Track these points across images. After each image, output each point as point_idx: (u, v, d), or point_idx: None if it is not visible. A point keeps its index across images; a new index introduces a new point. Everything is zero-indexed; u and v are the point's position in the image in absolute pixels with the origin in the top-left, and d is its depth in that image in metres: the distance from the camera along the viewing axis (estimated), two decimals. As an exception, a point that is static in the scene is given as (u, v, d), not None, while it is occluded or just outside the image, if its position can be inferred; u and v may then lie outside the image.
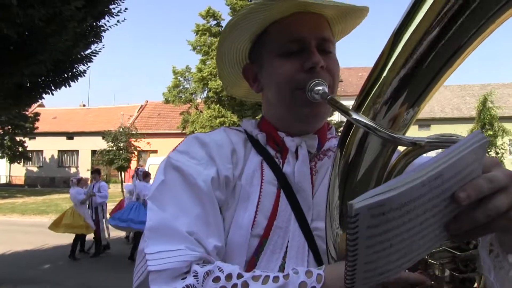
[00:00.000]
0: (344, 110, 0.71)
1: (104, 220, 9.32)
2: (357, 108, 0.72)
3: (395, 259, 0.56)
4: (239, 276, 0.76)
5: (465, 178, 0.57)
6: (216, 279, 0.75)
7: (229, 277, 0.76)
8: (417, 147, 0.69)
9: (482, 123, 19.93)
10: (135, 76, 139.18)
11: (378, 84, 0.69)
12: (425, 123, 29.92)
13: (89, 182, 10.26)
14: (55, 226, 8.83)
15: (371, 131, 0.66)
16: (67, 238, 9.12)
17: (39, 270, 7.99)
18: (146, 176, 9.12)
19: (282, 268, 0.88)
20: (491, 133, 19.76)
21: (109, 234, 9.47)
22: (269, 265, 0.89)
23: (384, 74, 0.69)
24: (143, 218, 7.77)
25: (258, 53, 1.04)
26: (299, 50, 0.95)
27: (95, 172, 9.98)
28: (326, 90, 0.88)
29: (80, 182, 9.56)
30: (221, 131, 1.03)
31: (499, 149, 20.40)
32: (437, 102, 31.36)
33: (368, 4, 1.04)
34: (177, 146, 0.99)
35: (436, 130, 27.90)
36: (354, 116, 0.68)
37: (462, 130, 21.01)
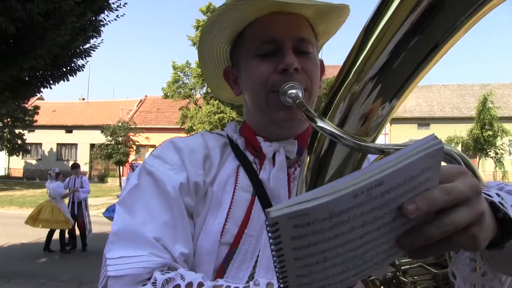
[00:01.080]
0: (309, 117, 0.68)
1: (87, 214, 9.21)
2: (324, 110, 0.70)
3: (334, 274, 0.51)
4: (200, 285, 0.74)
5: (417, 187, 0.50)
6: (176, 287, 0.73)
7: (189, 285, 0.74)
8: (385, 155, 0.65)
9: (481, 123, 19.90)
10: (135, 71, 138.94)
11: (346, 82, 0.67)
12: (424, 122, 29.94)
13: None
14: (32, 220, 8.67)
15: (336, 140, 0.63)
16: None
17: (34, 264, 7.98)
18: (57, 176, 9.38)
19: (251, 278, 0.86)
20: (491, 133, 19.74)
21: (90, 230, 9.24)
22: (238, 274, 0.86)
23: (353, 70, 0.66)
24: None
25: (237, 55, 1.01)
26: (274, 52, 0.92)
27: (75, 166, 9.83)
28: (300, 93, 0.85)
29: (59, 176, 9.39)
30: (198, 136, 1.01)
31: (499, 150, 20.39)
32: (437, 102, 31.34)
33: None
34: (153, 150, 0.97)
35: (436, 129, 27.92)
36: (319, 123, 0.66)
37: (462, 130, 21.01)
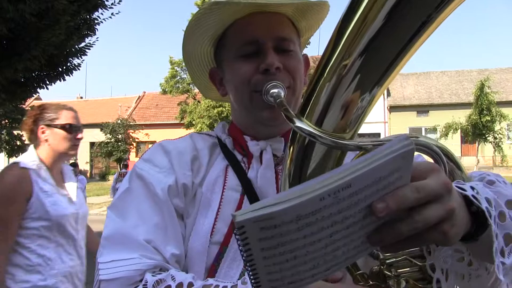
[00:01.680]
0: (288, 117, 0.69)
1: None
2: (303, 107, 0.71)
3: (305, 270, 0.52)
4: (190, 285, 0.76)
5: (388, 186, 0.51)
6: None
7: (180, 286, 0.75)
8: (363, 151, 0.66)
9: (479, 108, 19.88)
10: (132, 67, 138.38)
11: (324, 76, 0.68)
12: (423, 110, 29.92)
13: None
14: None
15: (314, 139, 0.64)
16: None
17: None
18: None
19: (242, 275, 0.87)
20: (489, 118, 19.73)
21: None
22: (229, 273, 0.88)
23: (330, 64, 0.66)
24: None
25: (220, 57, 1.03)
26: (256, 52, 0.94)
27: (74, 166, 9.70)
28: (282, 92, 0.86)
29: None
30: (187, 138, 1.03)
31: (497, 134, 20.38)
32: (435, 88, 31.27)
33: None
34: (143, 154, 0.99)
35: (435, 116, 27.93)
36: (297, 123, 0.66)
37: (461, 116, 21.00)
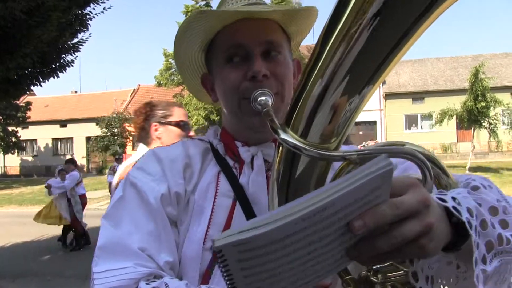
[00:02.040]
0: (273, 128, 0.70)
1: (76, 212, 8.83)
2: (288, 117, 0.72)
3: (286, 283, 0.54)
4: None
5: (367, 204, 0.52)
6: None
7: None
8: (347, 161, 0.68)
9: (474, 94, 19.85)
10: (127, 61, 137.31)
11: (310, 82, 0.68)
12: (418, 96, 29.93)
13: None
14: (37, 216, 8.89)
15: (299, 152, 0.65)
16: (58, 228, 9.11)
17: (38, 262, 8.02)
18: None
19: None
20: (484, 104, 19.70)
21: (83, 226, 8.99)
22: (223, 279, 0.89)
23: (317, 69, 0.67)
24: None
25: (210, 63, 1.03)
26: (244, 58, 0.94)
27: (69, 161, 9.59)
28: (270, 100, 0.86)
29: (62, 173, 9.06)
30: (179, 144, 1.02)
31: (492, 120, 20.42)
32: (430, 75, 31.26)
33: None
34: (136, 162, 0.99)
35: (430, 102, 27.95)
36: (282, 135, 0.67)
37: (456, 102, 20.99)
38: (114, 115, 27.56)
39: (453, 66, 31.53)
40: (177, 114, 2.19)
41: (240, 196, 0.93)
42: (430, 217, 0.56)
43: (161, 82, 24.53)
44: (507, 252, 0.64)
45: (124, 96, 35.17)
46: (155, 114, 2.16)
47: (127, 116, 28.23)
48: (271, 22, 0.97)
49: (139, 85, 36.77)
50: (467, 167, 20.87)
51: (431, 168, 0.66)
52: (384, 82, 29.75)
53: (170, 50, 24.01)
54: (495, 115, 20.48)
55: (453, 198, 0.61)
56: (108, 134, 27.22)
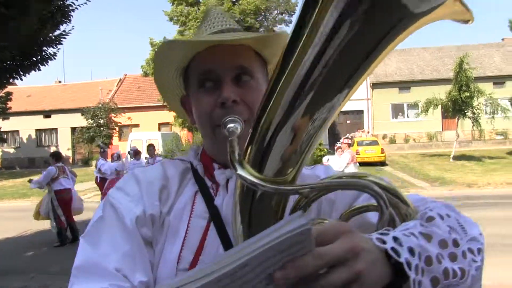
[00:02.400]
0: (231, 161, 0.70)
1: (52, 208, 8.61)
2: (246, 148, 0.74)
3: None
4: None
5: (290, 255, 0.52)
6: None
7: None
8: (300, 196, 0.70)
9: (459, 85, 20.14)
10: (113, 50, 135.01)
11: (269, 107, 0.70)
12: (405, 86, 30.17)
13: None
14: (36, 214, 8.76)
15: (255, 187, 0.67)
16: (48, 223, 8.95)
17: (21, 258, 7.89)
18: (136, 154, 10.13)
19: None
20: (468, 94, 20.02)
21: (64, 223, 8.75)
22: None
23: (277, 91, 0.69)
24: None
25: (188, 86, 1.05)
26: (216, 84, 0.95)
27: (52, 155, 9.34)
28: (239, 127, 0.87)
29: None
30: (158, 165, 1.05)
31: (475, 110, 20.77)
32: (417, 65, 31.49)
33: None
34: (117, 183, 1.02)
35: (416, 92, 28.21)
36: (239, 171, 0.68)
37: (441, 91, 21.24)
38: (100, 105, 27.18)
39: (439, 56, 31.79)
40: None
41: (215, 217, 0.95)
42: (358, 264, 0.56)
43: (148, 72, 24.29)
44: (454, 286, 0.64)
45: (110, 86, 34.67)
46: None
47: (113, 107, 27.90)
48: (243, 47, 0.97)
49: (126, 75, 36.29)
50: (451, 156, 21.25)
51: (391, 198, 0.68)
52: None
53: (157, 39, 23.76)
54: (478, 105, 20.81)
55: (395, 238, 0.62)
56: (94, 125, 26.90)
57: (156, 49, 0.97)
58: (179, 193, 0.99)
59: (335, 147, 10.85)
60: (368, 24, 0.62)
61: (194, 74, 0.99)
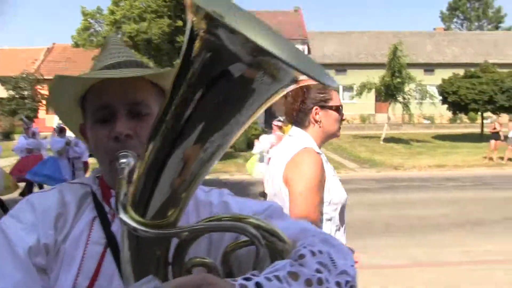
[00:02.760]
0: (116, 202, 0.71)
1: None
2: (130, 192, 0.74)
3: None
4: None
5: None
6: None
7: None
8: (179, 236, 0.74)
9: (392, 70, 21.20)
10: (40, 16, 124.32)
11: (146, 157, 0.72)
12: (341, 68, 31.19)
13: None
14: None
15: (136, 233, 0.68)
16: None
17: None
18: (61, 131, 9.99)
19: None
20: (400, 80, 21.18)
21: None
22: None
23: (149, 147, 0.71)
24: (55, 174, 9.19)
25: (85, 115, 1.03)
26: (110, 117, 0.95)
27: None
28: (132, 162, 0.87)
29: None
30: (55, 192, 1.02)
31: (406, 95, 22.04)
32: (355, 48, 32.53)
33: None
34: (12, 210, 1.00)
35: (352, 75, 29.27)
36: (121, 215, 0.69)
37: (375, 76, 22.23)
38: (23, 75, 24.99)
39: (376, 40, 33.09)
40: (336, 98, 2.19)
41: (112, 243, 0.95)
42: None
43: (79, 43, 22.76)
44: None
45: (36, 55, 32.12)
46: (316, 97, 2.14)
47: (39, 78, 25.78)
48: (138, 79, 0.97)
49: (54, 44, 33.73)
50: (381, 138, 22.44)
51: (268, 237, 0.74)
52: (309, 52, 30.39)
53: (89, 8, 22.30)
54: (409, 91, 22.09)
55: (257, 284, 0.65)
56: (17, 96, 24.76)
57: (50, 84, 0.97)
58: (76, 219, 0.99)
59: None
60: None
61: (89, 107, 0.99)
